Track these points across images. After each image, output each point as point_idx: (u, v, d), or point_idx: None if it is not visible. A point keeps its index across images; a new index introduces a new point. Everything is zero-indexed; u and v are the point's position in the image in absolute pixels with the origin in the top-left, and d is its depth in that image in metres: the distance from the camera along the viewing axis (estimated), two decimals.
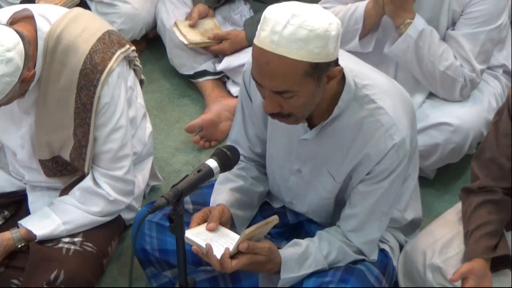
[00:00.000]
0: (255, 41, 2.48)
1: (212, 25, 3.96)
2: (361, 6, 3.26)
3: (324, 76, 2.50)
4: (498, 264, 2.81)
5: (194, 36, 3.91)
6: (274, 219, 2.66)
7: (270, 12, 2.46)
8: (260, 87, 2.54)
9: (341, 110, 2.63)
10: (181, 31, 3.92)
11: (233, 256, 2.61)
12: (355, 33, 3.27)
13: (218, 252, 2.61)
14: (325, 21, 2.45)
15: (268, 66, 2.46)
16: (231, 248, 2.61)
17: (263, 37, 2.45)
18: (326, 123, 2.66)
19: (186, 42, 3.90)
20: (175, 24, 3.95)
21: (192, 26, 3.94)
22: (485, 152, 2.83)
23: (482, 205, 2.82)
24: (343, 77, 2.60)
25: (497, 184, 2.81)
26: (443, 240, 2.90)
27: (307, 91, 2.50)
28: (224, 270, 2.62)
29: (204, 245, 2.62)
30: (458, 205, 3.04)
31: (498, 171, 2.80)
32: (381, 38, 3.35)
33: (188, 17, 3.99)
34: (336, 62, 2.52)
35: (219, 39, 3.91)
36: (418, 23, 3.21)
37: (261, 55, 2.46)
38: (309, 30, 2.42)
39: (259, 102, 2.73)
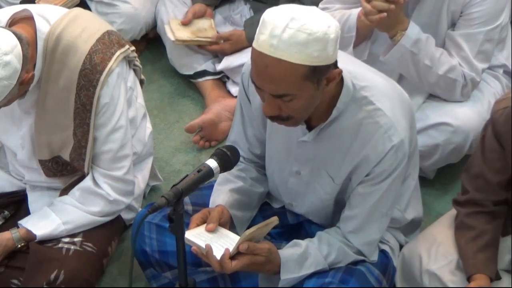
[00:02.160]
0: (254, 44, 2.47)
1: (207, 25, 3.95)
2: (353, 14, 3.24)
3: (323, 79, 2.50)
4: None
5: (182, 34, 3.90)
6: (274, 220, 2.66)
7: (269, 15, 2.46)
8: (259, 90, 2.54)
9: (340, 112, 2.63)
10: (172, 28, 3.92)
11: (232, 257, 2.61)
12: (350, 41, 3.26)
13: (217, 253, 2.61)
14: (324, 24, 2.44)
15: (267, 69, 2.45)
16: (230, 248, 2.61)
17: (262, 40, 2.44)
18: (325, 125, 2.66)
19: (172, 39, 3.89)
20: (168, 22, 3.95)
21: (185, 24, 3.93)
22: (473, 166, 2.84)
23: (472, 216, 2.82)
24: (341, 79, 2.60)
25: (486, 197, 2.82)
26: (438, 246, 2.89)
27: (307, 94, 2.50)
28: (224, 271, 2.62)
29: (204, 246, 2.62)
30: (453, 210, 3.04)
31: (485, 185, 2.80)
32: (382, 42, 3.34)
33: (184, 17, 3.99)
34: (335, 65, 2.52)
35: (222, 39, 3.90)
36: (412, 32, 3.19)
37: (260, 59, 2.46)
38: (308, 33, 2.42)
39: (258, 104, 2.73)
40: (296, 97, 2.49)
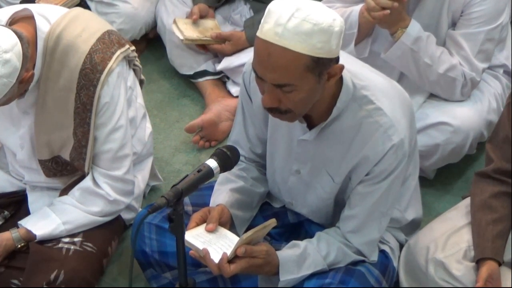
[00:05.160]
0: (258, 33, 2.48)
1: (213, 25, 3.96)
2: (355, 11, 3.25)
3: (325, 73, 2.50)
4: None
5: (191, 33, 3.90)
6: (272, 222, 2.66)
7: (275, 5, 2.47)
8: (260, 81, 2.54)
9: (340, 111, 2.64)
10: (179, 27, 3.92)
11: (231, 260, 2.61)
12: (351, 38, 3.26)
13: (216, 255, 2.61)
14: (329, 16, 2.46)
15: (270, 58, 2.46)
16: (230, 250, 2.61)
17: (267, 29, 2.45)
18: (325, 124, 2.66)
19: (181, 38, 3.89)
20: (174, 21, 3.95)
21: (195, 21, 3.93)
22: (499, 132, 2.87)
23: (498, 196, 2.85)
24: (341, 78, 2.60)
25: (510, 168, 2.84)
26: (446, 235, 2.92)
27: (307, 86, 2.50)
28: (223, 275, 2.61)
29: (201, 249, 2.62)
30: (460, 204, 3.05)
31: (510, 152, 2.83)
32: (383, 41, 3.34)
33: (189, 16, 3.99)
34: (337, 60, 2.52)
35: (222, 39, 3.91)
36: (413, 30, 3.20)
37: (263, 47, 2.46)
38: (313, 23, 2.43)
39: (259, 102, 2.73)
40: (297, 89, 2.49)
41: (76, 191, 3.05)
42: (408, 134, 2.67)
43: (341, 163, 2.71)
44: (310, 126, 2.70)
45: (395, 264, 2.92)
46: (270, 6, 2.48)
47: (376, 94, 2.64)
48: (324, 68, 2.49)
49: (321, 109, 2.63)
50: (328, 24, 2.44)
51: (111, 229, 3.12)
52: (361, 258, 2.80)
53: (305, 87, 2.50)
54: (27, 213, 3.12)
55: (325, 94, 2.59)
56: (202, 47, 3.97)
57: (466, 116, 3.38)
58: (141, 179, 3.28)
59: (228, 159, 2.62)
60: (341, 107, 2.63)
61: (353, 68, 2.67)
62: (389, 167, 2.66)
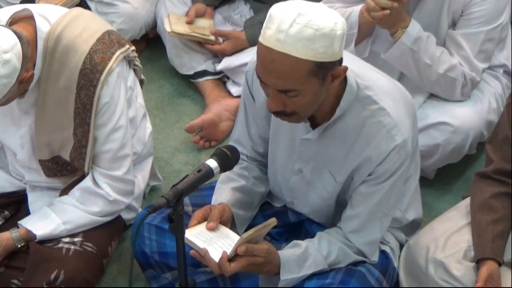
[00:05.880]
0: (261, 39, 2.48)
1: (207, 25, 3.96)
2: (355, 11, 3.25)
3: (328, 75, 2.50)
4: None
5: (179, 27, 3.90)
6: (272, 222, 2.66)
7: (276, 10, 2.47)
8: (264, 85, 2.54)
9: (344, 111, 2.64)
10: (170, 21, 3.92)
11: (231, 258, 2.61)
12: (351, 38, 3.27)
13: (216, 254, 2.61)
14: (331, 20, 2.45)
15: (273, 64, 2.46)
16: (230, 249, 2.61)
17: (269, 35, 2.45)
18: (328, 124, 2.66)
19: (168, 30, 3.88)
20: (168, 15, 3.95)
21: (189, 23, 3.93)
22: (499, 133, 2.88)
23: (498, 197, 2.86)
24: (344, 78, 2.60)
25: (510, 168, 2.85)
26: (446, 235, 2.92)
27: (312, 90, 2.50)
28: (224, 273, 2.61)
29: (201, 248, 2.61)
30: (460, 204, 3.06)
31: (510, 152, 2.83)
32: (383, 41, 3.34)
33: (186, 15, 3.99)
34: (340, 61, 2.52)
35: (220, 36, 3.90)
36: (413, 30, 3.20)
37: (266, 54, 2.46)
38: (315, 29, 2.42)
39: (262, 101, 2.73)
40: (301, 93, 2.49)
41: (76, 191, 3.05)
42: (411, 135, 2.67)
43: (344, 163, 2.71)
44: (313, 125, 2.70)
45: (395, 264, 2.92)
46: (271, 11, 2.47)
47: (379, 94, 2.64)
48: (327, 71, 2.49)
49: (325, 109, 2.63)
50: (330, 29, 2.44)
51: (111, 229, 3.12)
52: (362, 258, 2.80)
53: (309, 91, 2.50)
54: (27, 213, 3.12)
55: (329, 94, 2.58)
56: (199, 43, 3.97)
57: (466, 116, 3.38)
58: (141, 179, 3.28)
59: (228, 159, 2.62)
60: (345, 107, 2.63)
61: (356, 68, 2.66)
62: (392, 168, 2.66)
